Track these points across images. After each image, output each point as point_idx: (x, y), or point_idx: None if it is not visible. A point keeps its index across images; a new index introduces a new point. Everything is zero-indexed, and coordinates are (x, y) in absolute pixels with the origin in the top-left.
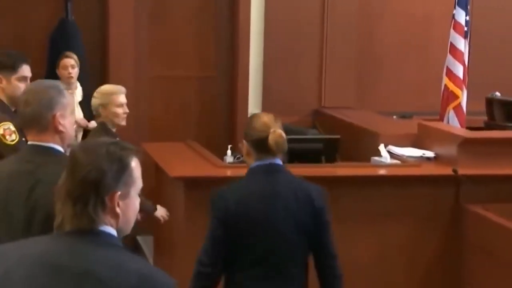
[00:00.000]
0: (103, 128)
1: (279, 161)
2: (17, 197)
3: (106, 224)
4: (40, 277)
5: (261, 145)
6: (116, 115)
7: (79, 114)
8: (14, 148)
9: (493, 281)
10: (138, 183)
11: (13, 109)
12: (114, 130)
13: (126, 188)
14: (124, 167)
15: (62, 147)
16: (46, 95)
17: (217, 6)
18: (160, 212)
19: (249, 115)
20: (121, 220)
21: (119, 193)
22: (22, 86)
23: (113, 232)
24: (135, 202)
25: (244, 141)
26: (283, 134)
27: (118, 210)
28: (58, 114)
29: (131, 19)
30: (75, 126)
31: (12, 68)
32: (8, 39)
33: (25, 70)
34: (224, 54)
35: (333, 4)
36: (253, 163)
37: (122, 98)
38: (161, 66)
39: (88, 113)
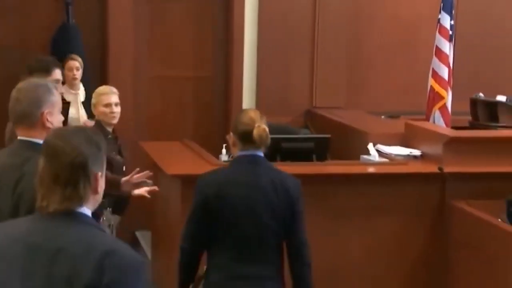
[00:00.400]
0: (97, 126)
1: (261, 153)
2: (5, 189)
3: (89, 203)
4: (17, 256)
5: (246, 138)
6: (104, 114)
7: (82, 114)
8: None
9: (477, 274)
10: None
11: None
12: (108, 128)
13: (102, 169)
14: (100, 150)
15: None
16: (36, 94)
17: (213, 9)
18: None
19: None
20: (97, 197)
21: (100, 173)
22: None
23: (89, 212)
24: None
25: (231, 133)
26: (267, 129)
27: (99, 189)
28: (46, 111)
29: (130, 21)
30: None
31: (46, 71)
32: (11, 41)
33: (58, 73)
34: (219, 55)
35: (324, 8)
36: (238, 153)
37: (110, 99)
38: (159, 67)
39: (89, 112)
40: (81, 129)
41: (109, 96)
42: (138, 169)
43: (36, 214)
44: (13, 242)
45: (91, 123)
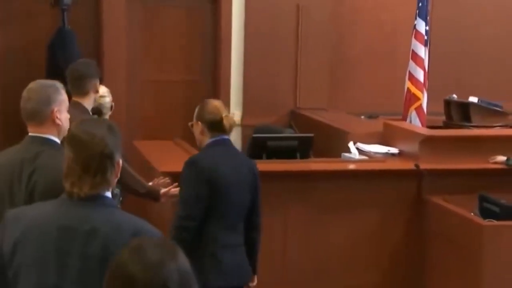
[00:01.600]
0: None
1: (229, 138)
2: (18, 181)
3: (113, 187)
4: (51, 238)
5: (215, 125)
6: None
7: None
8: None
9: (452, 264)
10: None
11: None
12: None
13: (121, 155)
14: (119, 140)
15: (58, 138)
16: (45, 93)
17: (202, 16)
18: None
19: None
20: (116, 181)
21: (120, 160)
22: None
23: (110, 195)
24: None
25: (198, 123)
26: (233, 118)
27: (119, 174)
28: (55, 109)
29: (124, 27)
30: None
31: (95, 76)
32: (12, 47)
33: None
34: (208, 60)
35: (307, 14)
36: (209, 139)
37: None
38: (151, 71)
39: None
40: (101, 121)
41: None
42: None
43: (64, 199)
44: (45, 224)
45: None
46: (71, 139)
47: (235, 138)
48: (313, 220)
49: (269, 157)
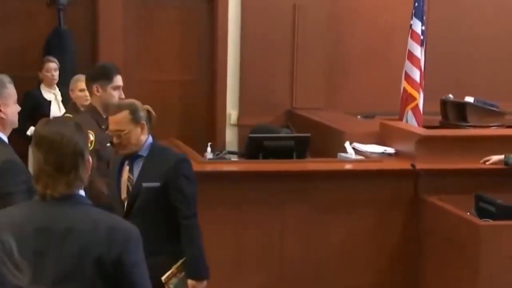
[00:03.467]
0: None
1: None
2: None
3: (85, 183)
4: (27, 240)
5: (149, 122)
6: (79, 97)
7: (63, 111)
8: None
9: (448, 263)
10: None
11: (104, 116)
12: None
13: (89, 153)
14: (86, 135)
15: (4, 132)
16: None
17: (198, 16)
18: None
19: (227, 116)
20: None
21: (90, 158)
22: (116, 94)
23: (83, 193)
24: None
25: (141, 123)
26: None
27: (89, 169)
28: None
29: (120, 27)
30: None
31: (108, 78)
32: (10, 46)
33: (119, 80)
34: (204, 60)
35: (304, 14)
36: (149, 138)
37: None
38: (147, 71)
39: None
40: (66, 120)
41: (82, 83)
42: None
43: (37, 200)
44: (20, 226)
45: None
46: (39, 140)
47: (232, 138)
48: (310, 219)
49: (266, 157)
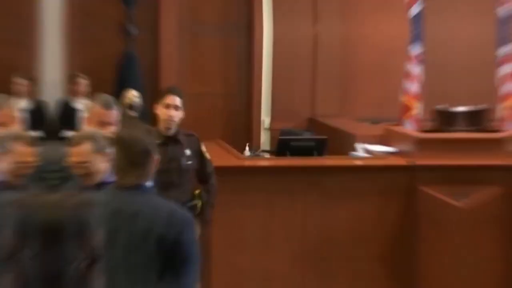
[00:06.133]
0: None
1: None
2: None
3: (152, 176)
4: (104, 218)
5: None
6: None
7: None
8: None
9: (439, 244)
10: None
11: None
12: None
13: (156, 153)
14: (154, 141)
15: None
16: None
17: (237, 41)
18: None
19: (261, 122)
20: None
21: (157, 157)
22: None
23: (150, 184)
24: None
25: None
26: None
27: (156, 165)
28: None
29: (176, 50)
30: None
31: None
32: (83, 66)
33: (169, 99)
34: (242, 76)
35: (321, 41)
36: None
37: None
38: (196, 85)
39: None
40: (140, 126)
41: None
42: None
43: (113, 188)
44: (100, 208)
45: None
46: (118, 141)
47: (265, 139)
48: (327, 205)
49: (292, 154)
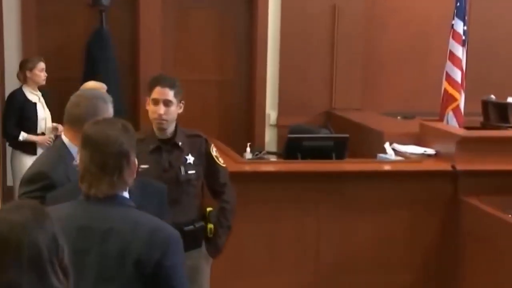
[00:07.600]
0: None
1: None
2: None
3: (129, 185)
4: (71, 237)
5: None
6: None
7: (48, 114)
8: None
9: (486, 265)
10: None
11: None
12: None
13: (135, 155)
14: (133, 138)
15: None
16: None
17: (235, 17)
18: None
19: (266, 117)
20: (132, 181)
21: (136, 160)
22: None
23: (127, 194)
24: None
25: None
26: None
27: (134, 173)
28: None
29: (158, 28)
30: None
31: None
32: (51, 47)
33: (157, 92)
34: (242, 60)
35: (341, 17)
36: None
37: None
38: (184, 70)
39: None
40: (114, 121)
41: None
42: None
43: (81, 201)
44: (64, 225)
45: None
46: (86, 139)
47: (271, 138)
48: (348, 220)
49: (304, 157)
